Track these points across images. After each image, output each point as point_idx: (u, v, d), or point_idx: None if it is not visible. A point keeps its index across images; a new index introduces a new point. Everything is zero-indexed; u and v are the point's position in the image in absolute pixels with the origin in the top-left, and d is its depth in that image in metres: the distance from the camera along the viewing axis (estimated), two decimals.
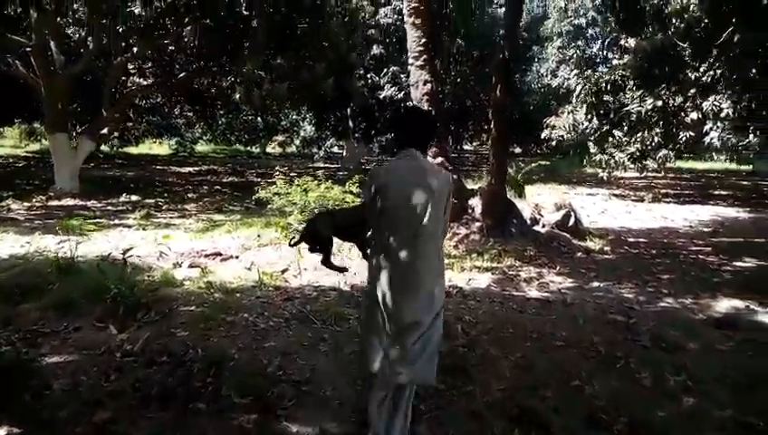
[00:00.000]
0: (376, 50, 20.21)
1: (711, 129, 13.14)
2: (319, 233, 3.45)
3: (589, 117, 10.04)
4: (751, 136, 13.42)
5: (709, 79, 8.76)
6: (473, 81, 22.33)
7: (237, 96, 12.17)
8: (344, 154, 25.67)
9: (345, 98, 18.63)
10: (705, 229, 11.25)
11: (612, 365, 4.30)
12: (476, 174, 15.93)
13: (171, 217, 11.26)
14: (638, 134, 10.70)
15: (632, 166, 15.54)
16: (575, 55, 18.79)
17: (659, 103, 6.94)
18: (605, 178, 16.36)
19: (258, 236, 8.93)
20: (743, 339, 4.90)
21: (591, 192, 17.97)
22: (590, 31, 19.15)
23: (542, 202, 9.23)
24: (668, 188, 20.80)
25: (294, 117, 36.10)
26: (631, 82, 8.49)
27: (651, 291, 6.51)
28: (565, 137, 17.12)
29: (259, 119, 33.49)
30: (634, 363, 4.33)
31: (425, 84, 8.45)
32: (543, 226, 8.88)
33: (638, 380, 4.07)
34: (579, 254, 8.33)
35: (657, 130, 10.65)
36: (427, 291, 2.73)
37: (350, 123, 23.20)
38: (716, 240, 10.00)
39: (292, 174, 24.25)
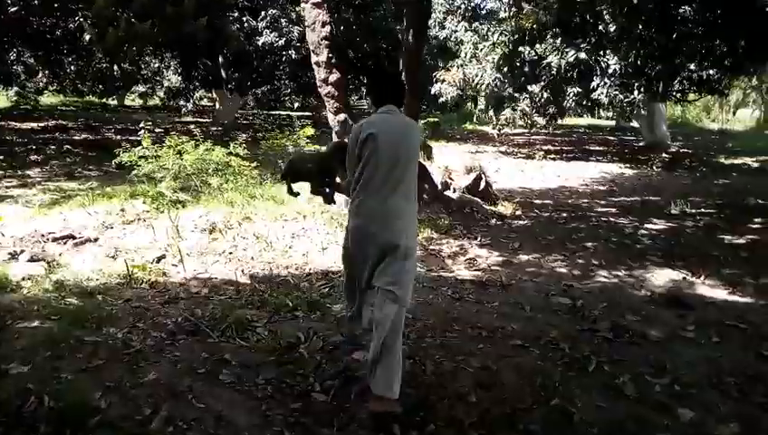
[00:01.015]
0: None
1: (599, 85, 13.11)
2: (300, 169, 3.69)
3: (504, 70, 9.41)
4: (635, 93, 13.59)
5: (617, 32, 8.47)
6: (357, 29, 21.00)
7: (87, 38, 9.97)
8: (217, 107, 23.43)
9: (217, 42, 16.60)
10: (601, 188, 11.23)
11: (584, 369, 3.59)
12: None
13: (8, 188, 9.14)
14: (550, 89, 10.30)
15: (522, 123, 15.35)
16: (462, 6, 18.15)
17: (582, 56, 6.42)
18: (495, 135, 16.10)
19: (122, 210, 7.33)
20: (701, 321, 4.43)
21: (479, 150, 17.75)
22: None
23: (451, 165, 8.45)
24: (547, 144, 21.23)
25: (157, 64, 32.57)
26: (548, 33, 7.99)
27: (582, 263, 5.99)
28: (454, 93, 16.58)
29: (115, 66, 29.75)
30: (607, 365, 3.65)
31: (323, 26, 7.20)
32: (455, 190, 8.14)
33: (619, 388, 3.37)
34: (494, 221, 7.72)
35: (576, 88, 10.32)
36: (405, 222, 3.09)
37: (223, 72, 21.03)
38: (616, 199, 9.92)
39: (157, 130, 21.77)
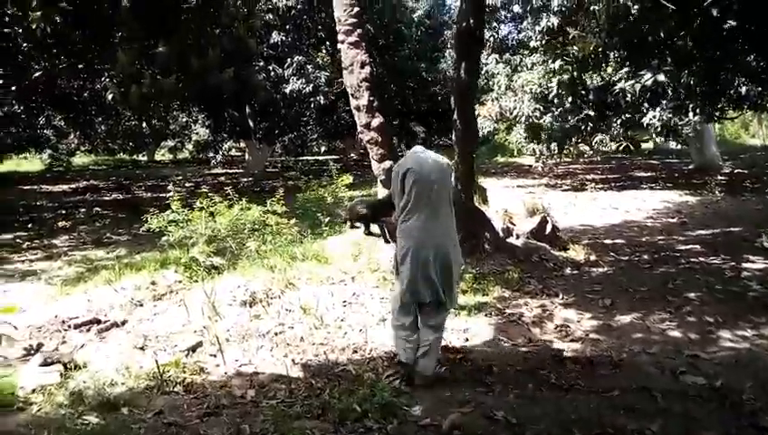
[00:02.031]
0: (276, 37, 17.83)
1: (649, 108, 12.14)
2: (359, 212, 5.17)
3: (564, 98, 8.59)
4: (690, 115, 12.59)
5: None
6: (382, 70, 20.53)
7: (110, 96, 9.53)
8: (246, 158, 23.06)
9: (244, 93, 16.20)
10: (671, 220, 10.17)
11: None
12: None
13: (32, 261, 8.54)
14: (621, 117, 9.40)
15: (566, 153, 14.44)
16: (491, 38, 17.53)
17: (661, 78, 5.58)
18: (539, 167, 15.18)
19: (152, 283, 6.59)
20: None
21: (521, 184, 16.83)
22: (502, 12, 17.88)
23: (510, 207, 7.56)
24: (588, 172, 20.21)
25: (185, 118, 32.71)
26: (612, 55, 7.14)
27: (694, 321, 4.99)
28: (491, 126, 15.79)
29: (144, 123, 29.91)
30: None
31: (362, 67, 6.48)
32: (518, 236, 7.23)
33: None
34: (568, 270, 6.76)
35: (655, 113, 9.41)
36: (444, 230, 3.86)
37: (251, 122, 20.66)
38: (693, 234, 8.86)
39: (187, 184, 21.44)
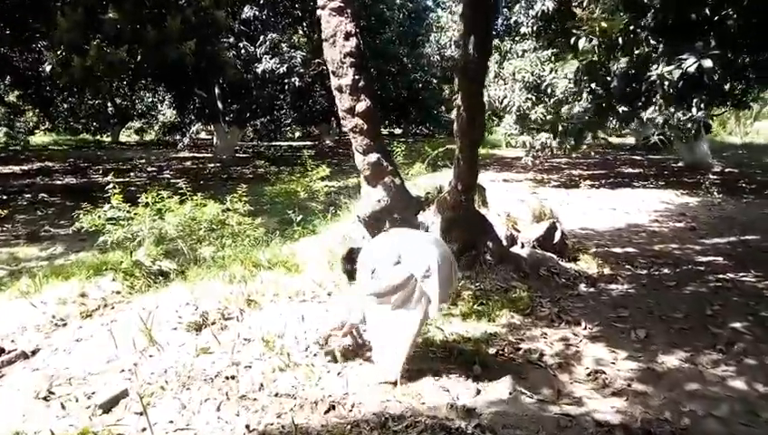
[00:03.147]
0: (248, 12, 16.41)
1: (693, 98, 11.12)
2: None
3: (591, 85, 7.58)
4: (694, 110, 11.67)
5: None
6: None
7: (49, 68, 8.17)
8: (215, 141, 21.65)
9: (211, 71, 14.83)
10: (678, 224, 9.26)
11: None
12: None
13: None
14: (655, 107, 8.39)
15: (559, 147, 13.45)
16: None
17: (708, 64, 4.62)
18: (529, 162, 14.21)
19: (82, 295, 5.39)
20: None
21: (505, 177, 15.89)
22: None
23: (512, 210, 6.51)
24: (573, 167, 19.38)
25: (150, 99, 31.00)
26: (644, 36, 6.16)
27: (754, 364, 4.01)
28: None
29: (109, 103, 28.13)
30: None
31: (347, 38, 5.32)
32: (522, 245, 6.19)
33: None
34: (583, 286, 5.76)
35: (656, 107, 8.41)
36: None
37: (220, 104, 19.26)
38: (709, 242, 7.94)
39: (150, 169, 19.94)
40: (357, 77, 5.36)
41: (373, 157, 5.66)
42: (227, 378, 3.74)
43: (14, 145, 29.29)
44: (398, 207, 5.83)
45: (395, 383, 3.61)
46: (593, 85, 7.22)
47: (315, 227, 7.66)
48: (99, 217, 5.94)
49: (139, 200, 6.22)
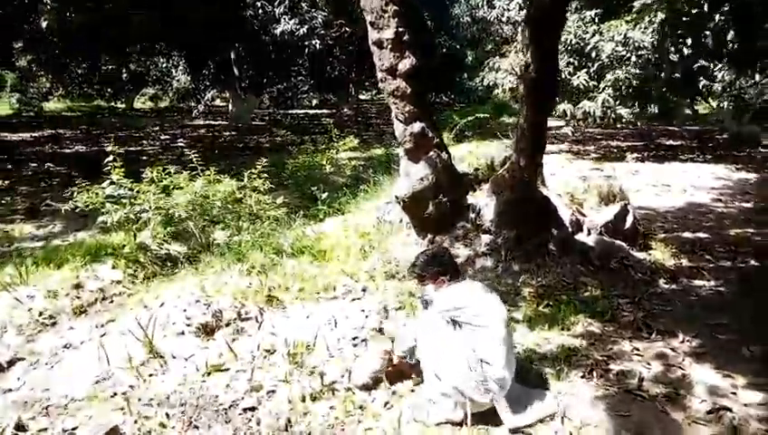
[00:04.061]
0: None
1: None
2: None
3: (673, 45, 6.58)
4: (758, 76, 10.57)
5: None
6: None
7: (44, 24, 7.32)
8: (230, 109, 20.76)
9: (227, 36, 13.85)
10: (745, 205, 8.26)
11: None
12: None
13: None
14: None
15: (603, 117, 12.42)
16: None
17: None
18: (569, 132, 13.16)
19: (76, 286, 4.62)
20: None
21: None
22: None
23: (575, 192, 5.60)
24: (611, 138, 18.19)
25: (165, 64, 30.07)
26: None
27: None
28: (513, 82, 13.72)
29: (123, 68, 27.28)
30: None
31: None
32: (589, 232, 5.29)
33: None
34: (662, 282, 4.86)
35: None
36: None
37: (236, 70, 18.29)
38: None
39: (164, 136, 19.17)
40: (401, 29, 4.43)
41: (417, 127, 4.75)
42: (245, 410, 2.94)
43: (27, 111, 28.64)
44: (444, 186, 4.94)
45: (461, 424, 2.78)
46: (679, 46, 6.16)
47: (342, 205, 6.80)
48: (96, 194, 5.13)
49: (144, 176, 5.39)
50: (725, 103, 11.84)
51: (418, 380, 3.23)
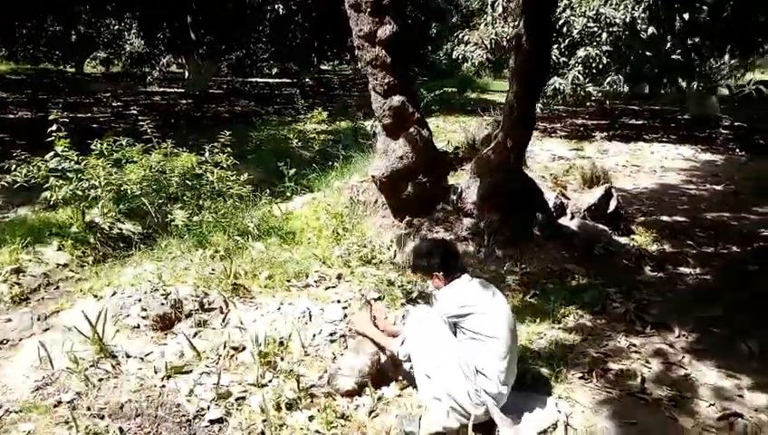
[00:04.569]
0: None
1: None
2: None
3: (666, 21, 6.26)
4: (726, 56, 10.56)
5: None
6: None
7: None
8: (187, 76, 19.80)
9: None
10: (716, 187, 8.21)
11: None
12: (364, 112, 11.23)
13: None
14: None
15: (572, 94, 12.27)
16: None
17: None
18: (539, 109, 12.93)
19: (16, 271, 4.14)
20: None
21: None
22: None
23: (557, 172, 5.35)
24: (574, 116, 18.16)
25: (117, 27, 28.48)
26: None
27: None
28: (483, 56, 13.41)
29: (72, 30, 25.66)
30: None
31: None
32: (572, 215, 5.07)
33: None
34: (648, 269, 4.69)
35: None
36: None
37: (192, 34, 17.36)
38: (763, 210, 6.91)
39: (116, 103, 18.15)
40: None
41: (397, 100, 4.39)
42: (212, 423, 2.58)
43: None
44: (425, 166, 4.61)
45: (456, 434, 2.50)
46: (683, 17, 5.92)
47: (312, 182, 6.40)
48: (39, 168, 4.60)
49: (93, 148, 4.87)
50: (695, 84, 11.78)
51: (404, 383, 2.93)
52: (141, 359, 3.08)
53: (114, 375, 2.89)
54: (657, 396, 2.89)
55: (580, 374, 3.05)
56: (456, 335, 2.62)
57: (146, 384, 2.81)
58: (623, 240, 5.16)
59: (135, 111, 15.80)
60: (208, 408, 2.66)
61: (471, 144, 5.14)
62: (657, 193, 7.69)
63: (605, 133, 13.69)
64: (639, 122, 17.05)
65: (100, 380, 2.83)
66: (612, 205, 5.23)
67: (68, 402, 2.66)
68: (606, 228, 5.10)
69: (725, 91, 13.23)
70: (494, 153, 4.36)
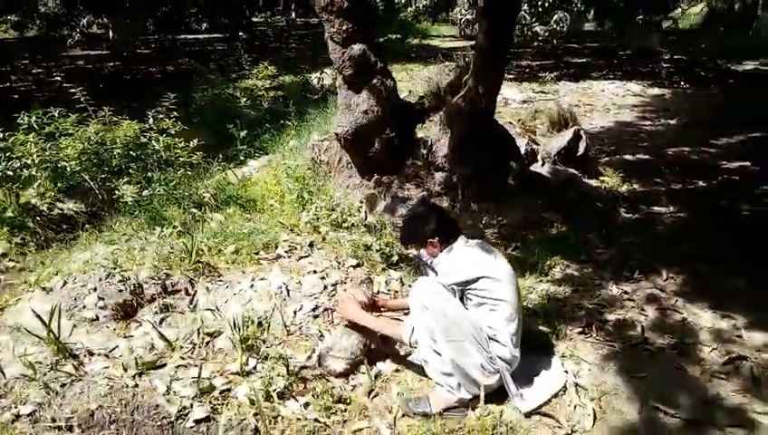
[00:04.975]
0: None
1: None
2: None
3: None
4: None
5: None
6: None
7: None
8: (111, 35, 18.48)
9: None
10: (669, 121, 8.29)
11: None
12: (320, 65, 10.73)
13: None
14: None
15: (519, 35, 12.10)
16: None
17: None
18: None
19: None
20: None
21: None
22: None
23: (522, 117, 5.18)
24: (520, 58, 18.02)
25: None
26: None
27: None
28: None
29: None
30: None
31: None
32: (543, 161, 4.92)
33: None
34: (623, 212, 4.64)
35: None
36: None
37: None
38: (718, 143, 7.00)
39: (36, 70, 16.83)
40: None
41: (357, 49, 4.05)
42: (198, 423, 2.33)
43: None
44: (391, 119, 4.33)
45: (467, 406, 2.35)
46: None
47: (265, 143, 6.02)
48: None
49: (20, 122, 4.34)
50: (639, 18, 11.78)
51: (400, 357, 2.75)
52: (106, 356, 2.77)
53: (78, 378, 2.58)
54: (659, 345, 2.82)
55: (579, 329, 2.94)
56: (463, 303, 2.42)
57: (116, 385, 2.51)
58: (594, 183, 5.08)
59: (59, 78, 14.66)
60: (191, 406, 2.40)
61: (436, 93, 4.87)
62: (614, 132, 7.68)
63: (554, 73, 13.60)
64: (583, 60, 17.10)
65: (63, 385, 2.51)
66: (582, 147, 5.12)
67: (28, 415, 2.35)
68: (576, 172, 4.99)
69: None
70: (465, 101, 4.11)
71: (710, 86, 11.60)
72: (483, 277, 2.36)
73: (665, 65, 14.91)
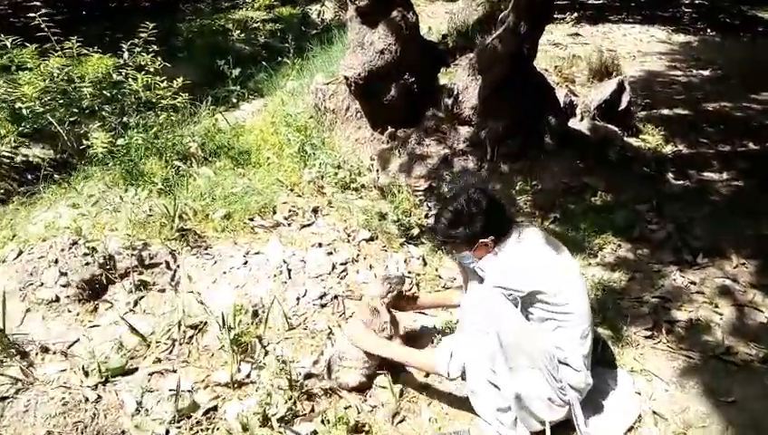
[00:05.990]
0: None
1: None
2: None
3: None
4: None
5: None
6: None
7: None
8: None
9: None
10: (702, 72, 7.59)
11: None
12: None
13: None
14: None
15: None
16: None
17: None
18: None
19: None
20: None
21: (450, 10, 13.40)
22: None
23: (558, 63, 4.51)
24: None
25: None
26: None
27: None
28: None
29: None
30: None
31: None
32: (582, 116, 4.29)
33: None
34: (671, 178, 4.06)
35: None
36: None
37: None
38: (759, 97, 6.35)
39: None
40: None
41: None
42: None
43: None
44: (411, 61, 3.66)
45: None
46: None
47: (261, 84, 5.32)
48: None
49: None
50: None
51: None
52: (64, 354, 2.23)
53: (25, 387, 2.04)
54: (744, 357, 2.30)
55: (645, 331, 2.41)
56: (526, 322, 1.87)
57: (72, 400, 1.98)
58: (635, 142, 4.47)
59: (38, 3, 13.58)
60: (167, 433, 1.87)
61: (463, 31, 4.17)
62: (646, 82, 6.96)
63: (573, 15, 12.68)
64: (599, 2, 16.11)
65: (5, 398, 1.98)
66: (624, 101, 4.48)
67: None
68: (617, 129, 4.38)
69: None
70: (501, 42, 3.44)
71: (739, 34, 10.83)
72: (545, 286, 1.80)
73: (686, 10, 14.02)
